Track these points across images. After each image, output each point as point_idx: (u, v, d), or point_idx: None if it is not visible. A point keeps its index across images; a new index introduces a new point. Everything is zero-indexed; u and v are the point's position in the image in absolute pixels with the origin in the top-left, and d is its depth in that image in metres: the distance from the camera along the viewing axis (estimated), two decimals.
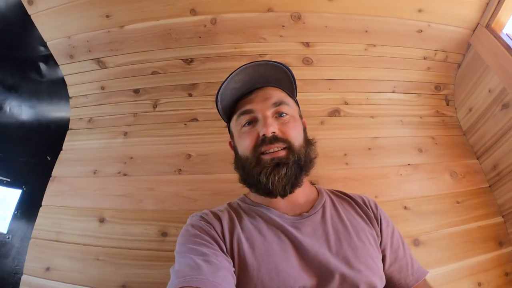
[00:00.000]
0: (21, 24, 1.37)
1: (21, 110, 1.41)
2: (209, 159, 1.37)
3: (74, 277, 1.18)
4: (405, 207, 1.25)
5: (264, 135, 0.80)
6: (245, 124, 0.86)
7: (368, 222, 0.86)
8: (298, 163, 0.81)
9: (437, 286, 1.09)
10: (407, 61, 1.44)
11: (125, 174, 1.37)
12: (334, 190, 0.99)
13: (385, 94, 1.50)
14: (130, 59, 1.44)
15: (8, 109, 1.37)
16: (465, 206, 1.28)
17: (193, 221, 0.81)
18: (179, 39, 1.37)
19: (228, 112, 0.94)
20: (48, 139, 1.49)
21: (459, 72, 1.48)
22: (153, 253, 1.19)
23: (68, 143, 1.50)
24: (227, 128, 1.00)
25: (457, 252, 1.19)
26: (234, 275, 0.69)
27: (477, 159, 1.40)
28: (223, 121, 0.99)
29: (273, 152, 0.80)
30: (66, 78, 1.52)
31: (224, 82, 0.87)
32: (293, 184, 0.81)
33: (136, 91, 1.51)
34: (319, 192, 0.93)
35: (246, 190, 0.93)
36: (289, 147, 0.81)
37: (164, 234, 1.22)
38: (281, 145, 0.80)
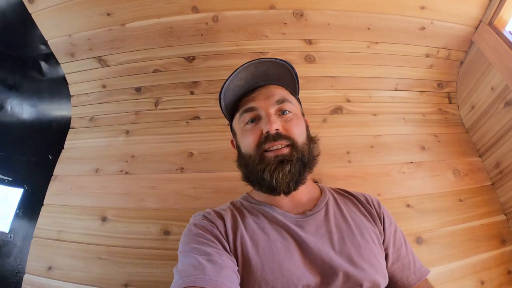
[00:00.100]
0: (21, 22, 1.36)
1: (22, 109, 1.41)
2: (211, 157, 1.37)
3: (76, 276, 1.18)
4: (407, 205, 1.25)
5: (267, 132, 0.80)
6: (248, 122, 0.86)
7: (371, 220, 0.86)
8: (301, 160, 0.81)
9: (439, 284, 1.09)
10: (409, 58, 1.44)
11: (127, 173, 1.37)
12: (337, 188, 0.98)
13: (387, 91, 1.49)
14: (132, 57, 1.43)
15: (9, 108, 1.37)
16: (468, 204, 1.28)
17: (196, 221, 0.81)
18: (181, 37, 1.37)
19: (231, 110, 0.94)
20: (49, 138, 1.48)
21: (461, 70, 1.48)
22: (156, 252, 1.19)
23: (70, 141, 1.50)
24: (229, 126, 1.00)
25: (459, 250, 1.18)
26: (238, 274, 0.69)
27: (480, 156, 1.40)
28: (225, 119, 0.99)
29: (277, 149, 0.80)
30: (67, 77, 1.52)
31: (227, 79, 0.87)
32: (297, 181, 0.81)
33: (138, 89, 1.50)
34: (322, 191, 0.93)
35: (248, 188, 0.93)
36: (292, 145, 0.81)
37: (167, 232, 1.22)
38: (284, 142, 0.80)
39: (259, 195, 0.89)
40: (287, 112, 0.86)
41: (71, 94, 1.55)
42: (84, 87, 1.54)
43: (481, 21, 1.32)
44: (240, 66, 0.87)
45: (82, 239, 1.25)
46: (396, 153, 1.37)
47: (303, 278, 0.69)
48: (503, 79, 1.24)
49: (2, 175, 1.30)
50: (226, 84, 0.87)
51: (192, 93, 1.48)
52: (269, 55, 1.38)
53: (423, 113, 1.49)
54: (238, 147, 0.91)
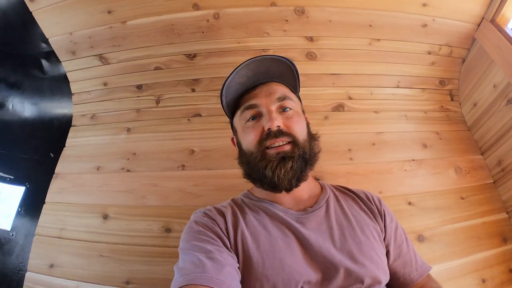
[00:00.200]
0: (22, 21, 1.36)
1: (23, 107, 1.41)
2: (213, 155, 1.36)
3: (78, 273, 1.18)
4: (409, 203, 1.25)
5: (269, 129, 0.80)
6: (249, 119, 0.86)
7: (372, 217, 0.86)
8: (303, 157, 0.81)
9: (441, 282, 1.08)
10: (411, 55, 1.43)
11: (128, 170, 1.37)
12: (337, 185, 0.99)
13: (389, 89, 1.49)
14: (133, 55, 1.43)
15: (10, 107, 1.37)
16: (470, 202, 1.27)
17: (196, 218, 0.81)
18: (182, 34, 1.36)
19: (232, 107, 0.94)
20: (51, 136, 1.49)
21: (463, 67, 1.47)
22: (157, 249, 1.19)
23: (71, 139, 1.50)
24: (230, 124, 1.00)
25: (461, 248, 1.18)
26: (238, 271, 0.69)
27: (482, 154, 1.39)
28: (226, 116, 0.99)
29: (278, 146, 0.80)
30: (68, 75, 1.52)
31: (229, 76, 0.87)
32: (299, 177, 0.81)
33: (139, 87, 1.50)
34: (322, 188, 0.93)
35: (250, 185, 0.93)
36: (293, 141, 0.81)
37: (168, 230, 1.22)
38: (286, 139, 0.80)
39: (260, 192, 0.89)
40: (288, 109, 0.86)
41: (72, 92, 1.55)
42: (85, 85, 1.54)
43: (483, 18, 1.32)
44: (242, 63, 0.87)
45: (84, 237, 1.25)
46: (397, 151, 1.37)
47: (304, 274, 0.69)
48: (505, 77, 1.23)
49: (4, 173, 1.30)
50: (227, 81, 0.87)
51: (193, 90, 1.48)
52: (270, 52, 1.38)
53: (425, 110, 1.49)
54: (239, 145, 0.91)
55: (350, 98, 1.47)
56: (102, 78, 1.51)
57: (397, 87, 1.49)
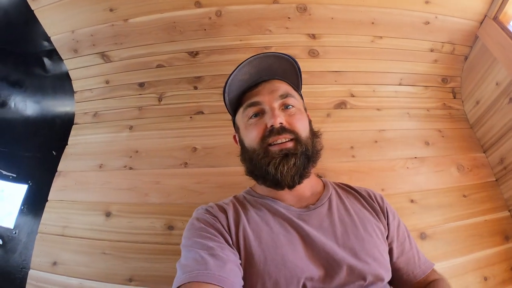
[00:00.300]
0: (24, 19, 1.36)
1: (25, 106, 1.42)
2: (215, 152, 1.36)
3: (81, 271, 1.19)
4: (411, 200, 1.25)
5: (272, 126, 0.80)
6: (252, 116, 0.86)
7: (374, 215, 0.86)
8: (306, 153, 0.81)
9: None
10: (414, 53, 1.43)
11: (130, 168, 1.37)
12: (340, 183, 0.98)
13: (391, 86, 1.49)
14: (135, 53, 1.43)
15: (13, 105, 1.38)
16: (472, 200, 1.27)
17: (198, 215, 0.82)
18: (184, 31, 1.36)
19: (235, 105, 0.94)
20: (53, 134, 1.49)
21: (466, 65, 1.47)
22: (160, 247, 1.19)
23: (74, 137, 1.50)
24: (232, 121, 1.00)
25: (463, 246, 1.18)
26: (240, 267, 0.69)
27: (484, 152, 1.39)
28: (228, 113, 0.99)
29: (281, 143, 0.80)
30: (70, 73, 1.52)
31: (231, 74, 0.87)
32: (301, 174, 0.81)
33: (141, 85, 1.50)
34: (325, 185, 0.93)
35: (252, 182, 0.93)
36: (296, 139, 0.81)
37: (171, 227, 1.22)
38: (288, 136, 0.80)
39: (262, 189, 0.89)
40: (290, 106, 0.86)
41: (75, 90, 1.55)
42: (87, 83, 1.54)
43: (486, 15, 1.32)
44: (244, 61, 0.87)
45: (87, 235, 1.25)
46: (400, 148, 1.37)
47: (307, 271, 0.69)
48: (508, 75, 1.23)
49: (7, 171, 1.31)
50: (230, 78, 0.87)
51: (195, 88, 1.47)
52: (272, 50, 1.38)
53: (428, 108, 1.48)
54: (241, 142, 0.91)
55: (352, 96, 1.46)
56: (104, 76, 1.51)
57: (400, 84, 1.49)
